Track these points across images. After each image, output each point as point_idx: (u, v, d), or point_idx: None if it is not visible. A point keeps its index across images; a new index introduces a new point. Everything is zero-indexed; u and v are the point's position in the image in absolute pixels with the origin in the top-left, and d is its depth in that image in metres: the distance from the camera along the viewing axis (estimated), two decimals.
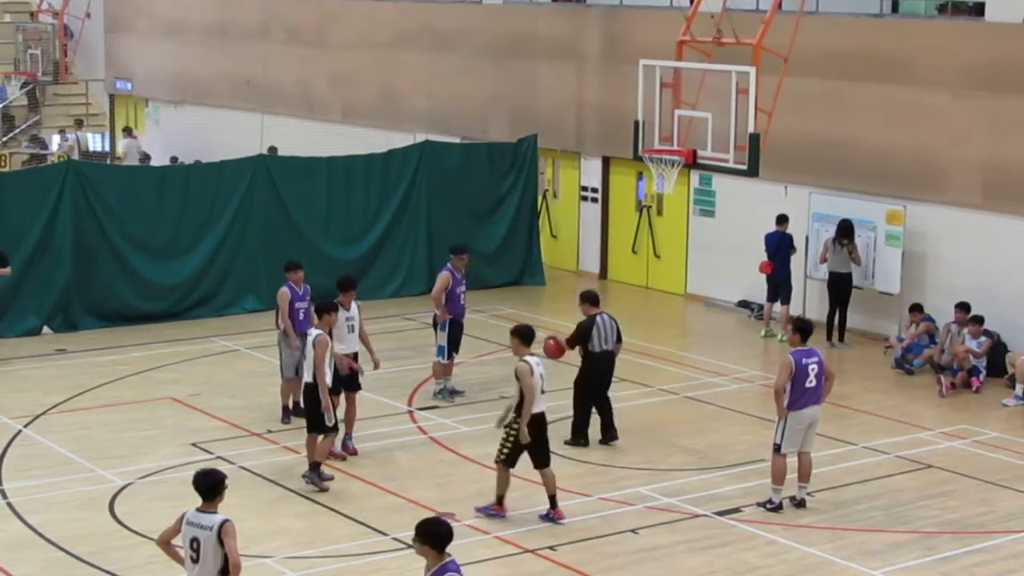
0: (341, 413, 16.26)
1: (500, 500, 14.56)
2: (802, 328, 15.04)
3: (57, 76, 40.67)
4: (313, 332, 15.31)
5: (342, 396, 16.38)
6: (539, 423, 14.36)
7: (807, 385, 14.73)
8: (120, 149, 36.79)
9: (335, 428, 15.54)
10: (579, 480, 15.84)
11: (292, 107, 34.11)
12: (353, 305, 16.62)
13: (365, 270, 24.41)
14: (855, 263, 22.03)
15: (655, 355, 21.43)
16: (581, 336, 16.86)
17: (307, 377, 15.28)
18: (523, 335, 14.52)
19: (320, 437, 15.34)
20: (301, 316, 17.47)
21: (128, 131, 37.26)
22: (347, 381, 16.40)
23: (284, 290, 17.59)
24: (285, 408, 17.67)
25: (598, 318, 16.94)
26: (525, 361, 14.25)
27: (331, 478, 15.41)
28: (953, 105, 21.55)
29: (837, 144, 22.97)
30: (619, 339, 17.09)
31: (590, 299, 17.13)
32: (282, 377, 17.69)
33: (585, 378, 17.02)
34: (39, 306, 22.22)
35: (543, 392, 14.30)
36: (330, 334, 15.48)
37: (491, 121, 28.99)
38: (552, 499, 14.54)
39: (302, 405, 15.91)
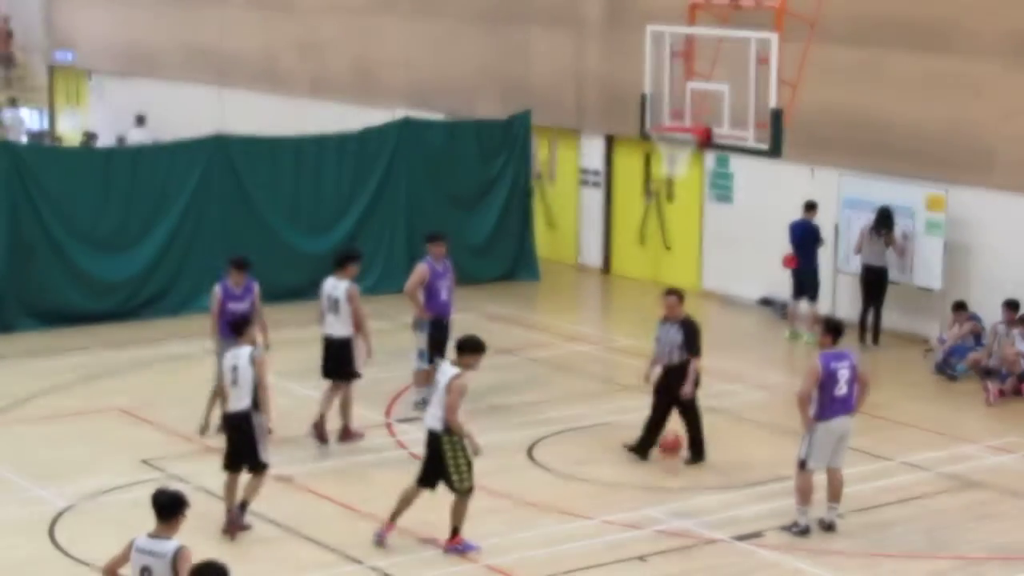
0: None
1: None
2: (833, 328, 15.03)
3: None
4: (245, 350, 14.71)
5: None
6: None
7: (837, 393, 14.72)
8: (4, 122, 36.65)
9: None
10: (580, 501, 15.83)
11: (254, 80, 34.07)
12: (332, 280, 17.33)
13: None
14: (897, 254, 22.01)
15: None
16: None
17: (240, 403, 14.56)
18: None
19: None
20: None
21: (12, 101, 37.17)
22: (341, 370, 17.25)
23: (215, 289, 17.69)
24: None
25: None
26: None
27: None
28: (1003, 76, 21.54)
29: (870, 120, 22.96)
30: None
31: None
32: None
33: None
34: None
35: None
36: None
37: (479, 95, 28.96)
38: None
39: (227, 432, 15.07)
